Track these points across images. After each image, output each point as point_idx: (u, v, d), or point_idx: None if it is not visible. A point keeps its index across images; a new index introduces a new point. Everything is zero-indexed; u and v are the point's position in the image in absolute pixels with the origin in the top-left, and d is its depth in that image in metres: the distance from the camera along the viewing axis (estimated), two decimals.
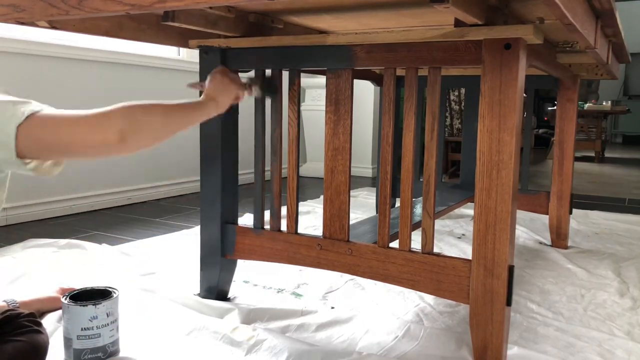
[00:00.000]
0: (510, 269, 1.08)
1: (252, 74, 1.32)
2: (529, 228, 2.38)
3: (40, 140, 0.85)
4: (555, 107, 2.14)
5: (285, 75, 1.33)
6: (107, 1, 0.84)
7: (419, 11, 1.22)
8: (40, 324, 1.07)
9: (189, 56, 3.25)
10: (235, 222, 1.45)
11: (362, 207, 2.84)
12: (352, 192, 3.20)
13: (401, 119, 1.28)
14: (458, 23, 1.06)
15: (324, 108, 1.29)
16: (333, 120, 1.26)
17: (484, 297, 1.09)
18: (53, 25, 1.15)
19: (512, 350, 1.18)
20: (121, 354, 1.13)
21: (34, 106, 0.87)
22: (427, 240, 1.18)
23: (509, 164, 1.04)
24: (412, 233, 1.23)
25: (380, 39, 1.16)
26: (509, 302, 1.08)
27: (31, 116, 0.85)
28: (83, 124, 0.87)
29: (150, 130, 0.93)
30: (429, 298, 1.48)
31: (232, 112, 1.40)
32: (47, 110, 0.88)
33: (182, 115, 1.00)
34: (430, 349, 1.19)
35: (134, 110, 0.91)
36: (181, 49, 3.21)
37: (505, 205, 1.06)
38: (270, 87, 1.29)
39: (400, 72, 1.24)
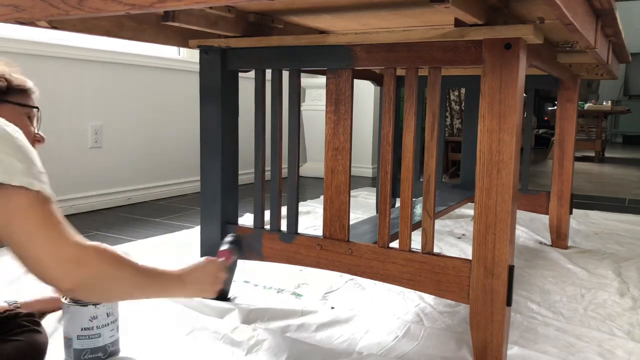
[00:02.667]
0: (510, 269, 1.08)
1: (226, 240, 1.28)
2: (529, 228, 2.38)
3: (4, 223, 0.77)
4: (555, 107, 2.14)
5: (285, 75, 1.33)
6: (107, 1, 0.84)
7: (419, 11, 1.22)
8: (39, 324, 1.07)
9: (189, 56, 3.25)
10: (235, 222, 1.45)
11: (362, 207, 2.84)
12: (352, 192, 3.20)
13: (401, 118, 1.28)
14: (458, 23, 1.06)
15: (324, 108, 1.29)
16: (333, 120, 1.26)
17: (484, 297, 1.09)
18: (53, 25, 1.15)
19: (512, 350, 1.18)
20: (121, 354, 1.13)
21: (37, 184, 0.79)
22: (427, 240, 1.18)
23: (509, 164, 1.04)
24: (412, 233, 1.23)
25: (381, 38, 1.16)
26: (509, 302, 1.08)
27: (23, 190, 0.77)
28: (60, 252, 0.80)
29: (105, 294, 0.90)
30: (429, 298, 1.48)
31: (232, 112, 1.41)
32: (40, 192, 0.80)
33: (154, 289, 0.97)
34: (430, 349, 1.19)
35: (107, 268, 0.85)
36: (181, 48, 3.22)
37: (505, 205, 1.06)
38: (239, 249, 1.28)
39: (400, 72, 1.24)
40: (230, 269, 1.25)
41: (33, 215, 0.79)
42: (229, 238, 1.27)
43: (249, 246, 1.40)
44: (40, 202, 0.80)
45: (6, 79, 1.05)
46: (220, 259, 1.17)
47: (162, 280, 1.00)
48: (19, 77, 1.08)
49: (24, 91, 1.08)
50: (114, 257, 0.87)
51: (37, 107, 1.10)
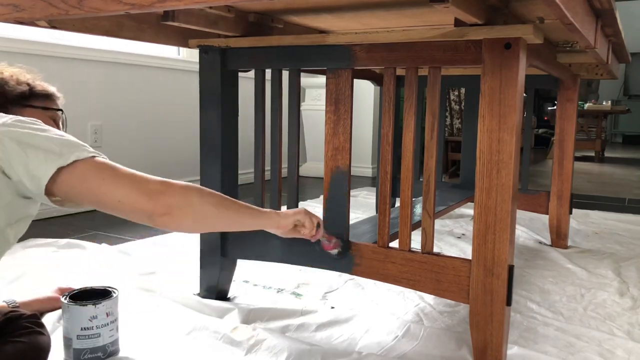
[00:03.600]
0: (510, 269, 1.08)
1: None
2: (529, 228, 2.38)
3: (81, 188, 0.84)
4: (555, 107, 2.14)
5: (285, 74, 1.33)
6: (107, 1, 0.84)
7: (418, 11, 1.22)
8: (42, 325, 1.07)
9: (189, 56, 3.25)
10: None
11: (362, 207, 2.84)
12: (352, 192, 3.20)
13: (401, 118, 1.28)
14: (458, 23, 1.06)
15: (324, 108, 1.29)
16: (333, 120, 1.26)
17: (483, 296, 1.09)
18: (53, 25, 1.15)
19: (512, 350, 1.18)
20: (121, 354, 1.13)
21: (81, 151, 0.85)
22: (427, 240, 1.18)
23: (509, 164, 1.04)
24: (412, 233, 1.23)
25: (381, 38, 1.16)
26: (508, 302, 1.08)
27: (79, 162, 0.84)
28: (142, 188, 0.85)
29: (199, 216, 0.90)
30: (429, 298, 1.48)
31: (232, 111, 1.40)
32: (95, 157, 0.87)
33: (237, 215, 0.98)
34: (430, 349, 1.19)
35: (192, 191, 0.89)
36: (181, 48, 3.22)
37: (505, 205, 1.06)
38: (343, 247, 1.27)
39: (400, 72, 1.24)
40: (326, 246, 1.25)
41: (103, 173, 0.86)
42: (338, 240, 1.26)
43: None
44: (101, 162, 0.87)
45: (28, 84, 1.08)
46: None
47: (256, 210, 1.03)
48: (41, 83, 1.11)
49: (47, 96, 1.11)
50: (195, 187, 0.91)
51: (61, 110, 1.14)
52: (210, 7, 1.19)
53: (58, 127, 1.12)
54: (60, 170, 0.83)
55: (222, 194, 0.97)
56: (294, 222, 1.11)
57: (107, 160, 0.89)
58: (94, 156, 0.87)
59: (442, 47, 1.10)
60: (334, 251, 1.25)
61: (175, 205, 0.86)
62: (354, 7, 1.23)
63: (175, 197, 0.86)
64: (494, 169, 1.06)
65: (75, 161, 0.84)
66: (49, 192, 0.85)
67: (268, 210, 1.07)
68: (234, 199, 0.98)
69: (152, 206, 0.85)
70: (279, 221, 1.08)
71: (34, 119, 0.91)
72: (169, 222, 0.87)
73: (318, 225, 1.16)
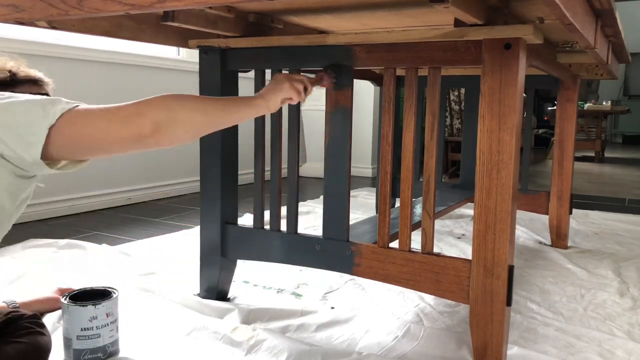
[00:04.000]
0: (510, 269, 1.07)
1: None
2: (529, 228, 2.38)
3: (72, 138, 0.85)
4: (555, 107, 2.14)
5: None
6: (106, 1, 0.84)
7: (418, 11, 1.22)
8: (43, 326, 1.07)
9: (189, 56, 3.25)
10: (235, 222, 1.45)
11: (362, 207, 2.84)
12: (352, 192, 3.20)
13: (401, 118, 1.28)
14: (458, 23, 1.06)
15: (324, 108, 1.29)
16: (333, 120, 1.26)
17: (483, 297, 1.09)
18: (53, 26, 1.15)
19: (512, 350, 1.18)
20: (121, 354, 1.13)
21: (64, 104, 0.86)
22: (427, 240, 1.18)
23: (509, 164, 1.04)
24: (412, 233, 1.23)
25: (380, 38, 1.16)
26: (508, 302, 1.08)
27: (62, 115, 0.84)
28: (115, 118, 0.85)
29: (187, 123, 0.89)
30: (429, 298, 1.48)
31: None
32: (78, 106, 0.87)
33: (222, 108, 0.96)
34: (430, 349, 1.19)
35: (169, 101, 0.87)
36: (181, 48, 3.21)
37: (505, 205, 1.06)
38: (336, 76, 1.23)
39: (400, 72, 1.24)
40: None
41: (86, 118, 0.85)
42: (329, 65, 1.23)
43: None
44: (82, 109, 0.87)
45: (10, 72, 1.06)
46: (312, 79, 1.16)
47: (242, 100, 1.02)
48: (26, 69, 1.09)
49: (32, 81, 1.09)
50: (171, 95, 0.90)
51: (48, 94, 1.11)
52: (210, 8, 1.19)
53: None
54: (50, 129, 0.83)
55: (201, 96, 0.95)
56: (282, 100, 1.10)
57: (88, 106, 0.88)
58: (75, 106, 0.87)
59: (442, 48, 1.10)
60: (331, 86, 1.22)
61: (161, 121, 0.85)
62: (354, 7, 1.23)
63: (156, 113, 0.85)
64: (494, 169, 1.06)
65: (60, 117, 0.84)
66: (44, 155, 0.85)
67: (251, 97, 1.04)
68: (213, 97, 0.97)
69: (137, 129, 0.84)
70: (267, 105, 1.06)
71: (8, 93, 0.91)
72: (161, 140, 0.86)
73: (305, 89, 1.14)
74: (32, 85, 1.10)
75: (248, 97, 1.04)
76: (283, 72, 1.15)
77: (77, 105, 0.87)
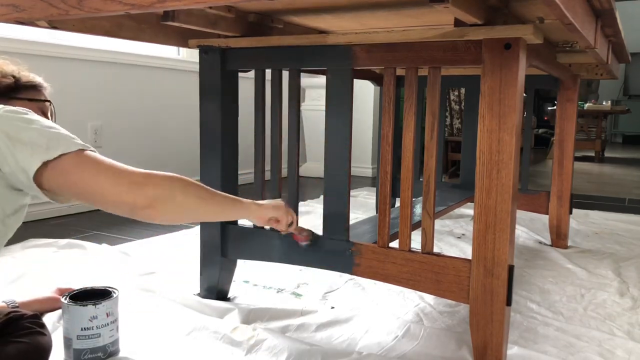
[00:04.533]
0: (510, 269, 1.08)
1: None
2: (529, 228, 2.38)
3: (71, 180, 0.85)
4: (555, 107, 2.14)
5: (285, 75, 1.33)
6: (107, 1, 0.84)
7: (418, 11, 1.22)
8: (43, 326, 1.07)
9: (189, 56, 3.25)
10: (235, 222, 1.45)
11: (362, 207, 2.84)
12: (352, 192, 3.20)
13: (401, 118, 1.28)
14: (458, 23, 1.06)
15: (324, 108, 1.29)
16: (331, 120, 1.26)
17: (483, 296, 1.09)
18: (53, 25, 1.15)
19: (512, 350, 1.18)
20: (121, 354, 1.13)
21: (73, 146, 0.86)
22: (427, 240, 1.18)
23: (509, 164, 1.04)
24: (412, 233, 1.23)
25: (380, 38, 1.16)
26: (508, 302, 1.08)
27: (65, 156, 0.85)
28: (122, 182, 0.86)
29: (181, 211, 0.91)
30: (429, 298, 1.48)
31: (232, 111, 1.41)
32: (86, 151, 0.87)
33: (218, 207, 0.99)
34: (430, 349, 1.19)
35: (174, 185, 0.89)
36: (181, 48, 3.21)
37: (505, 205, 1.06)
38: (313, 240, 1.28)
39: (400, 72, 1.24)
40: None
41: (86, 166, 0.87)
42: (309, 233, 1.28)
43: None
44: (86, 155, 0.88)
45: (14, 77, 1.06)
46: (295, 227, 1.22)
47: (236, 200, 1.04)
48: (27, 74, 1.09)
49: (33, 86, 1.10)
50: (178, 178, 0.91)
51: (49, 101, 1.13)
52: (210, 7, 1.19)
53: (47, 118, 1.12)
54: (46, 164, 0.84)
55: (204, 185, 0.98)
56: (272, 218, 1.14)
57: (95, 154, 0.89)
58: (81, 149, 0.88)
59: (442, 47, 1.10)
60: (304, 243, 1.27)
61: (158, 198, 0.86)
62: (354, 7, 1.23)
63: (157, 190, 0.87)
64: (494, 169, 1.06)
65: (61, 155, 0.85)
66: (38, 184, 0.86)
67: (248, 201, 1.08)
68: (214, 190, 0.99)
69: (133, 198, 0.85)
70: (258, 212, 1.10)
71: (26, 109, 0.92)
72: (152, 214, 0.87)
73: (291, 223, 1.20)
74: (33, 90, 1.11)
75: (244, 200, 1.07)
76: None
77: (82, 149, 0.87)
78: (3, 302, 1.18)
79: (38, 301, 1.27)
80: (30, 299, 1.26)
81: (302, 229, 1.27)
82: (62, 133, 0.89)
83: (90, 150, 0.90)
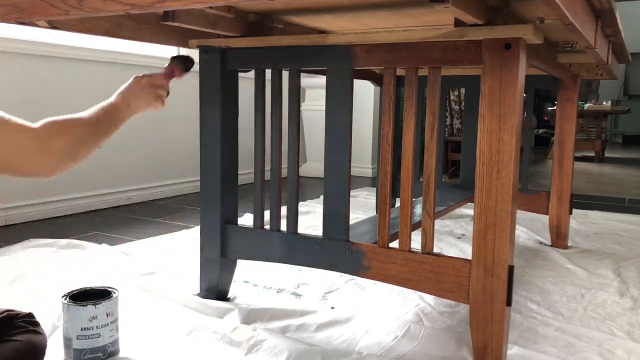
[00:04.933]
0: (510, 269, 1.07)
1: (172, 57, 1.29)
2: (529, 228, 2.38)
3: None
4: (555, 107, 2.14)
5: (285, 75, 1.33)
6: (107, 1, 0.84)
7: (418, 11, 1.22)
8: (37, 324, 1.07)
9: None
10: (235, 222, 1.45)
11: (362, 207, 2.84)
12: (352, 192, 3.20)
13: (401, 118, 1.27)
14: (458, 23, 1.06)
15: (324, 108, 1.29)
16: (332, 120, 1.26)
17: (483, 297, 1.09)
18: (53, 25, 1.15)
19: (512, 350, 1.18)
20: (121, 354, 1.13)
21: None
22: (427, 240, 1.18)
23: (509, 164, 1.04)
24: (412, 233, 1.23)
25: (380, 38, 1.16)
26: (509, 302, 1.08)
27: None
28: (17, 147, 0.87)
29: (80, 159, 0.94)
30: (429, 298, 1.48)
31: (232, 111, 1.41)
32: None
33: (105, 131, 1.01)
34: (430, 349, 1.19)
35: (73, 142, 0.92)
36: (180, 48, 3.21)
37: (505, 205, 1.06)
38: (188, 64, 1.27)
39: (400, 72, 1.24)
40: None
41: None
42: (177, 55, 1.27)
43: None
44: None
45: None
46: (162, 74, 1.21)
47: (114, 114, 1.06)
48: None
49: None
50: (67, 124, 0.93)
51: None
52: (210, 8, 1.19)
53: None
54: None
55: (77, 120, 0.97)
56: (145, 104, 1.14)
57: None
58: None
59: (442, 48, 1.10)
60: (182, 75, 1.25)
61: (64, 157, 0.90)
62: (354, 7, 1.23)
63: (57, 152, 0.89)
64: (494, 169, 1.06)
65: None
66: None
67: (113, 103, 1.07)
68: (87, 117, 0.99)
69: (33, 170, 0.88)
70: (130, 112, 1.10)
71: None
72: (65, 168, 0.90)
73: (160, 84, 1.18)
74: None
75: (112, 107, 1.07)
76: (134, 78, 1.17)
77: None
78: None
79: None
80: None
81: (171, 73, 1.22)
82: None
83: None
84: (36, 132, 0.89)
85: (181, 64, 1.25)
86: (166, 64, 1.25)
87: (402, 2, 1.15)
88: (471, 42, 1.06)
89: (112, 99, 1.08)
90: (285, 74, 1.33)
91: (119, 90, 1.12)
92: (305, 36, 1.25)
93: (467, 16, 0.96)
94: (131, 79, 1.15)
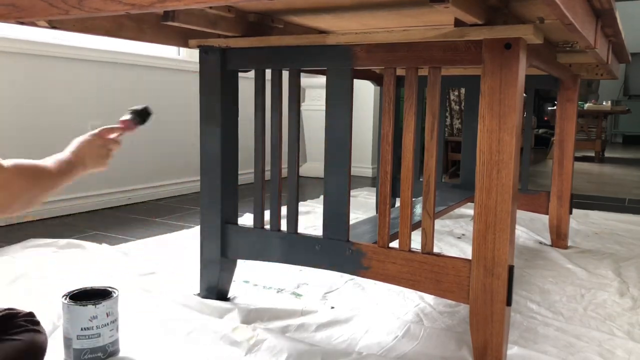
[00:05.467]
0: (510, 269, 1.07)
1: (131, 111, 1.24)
2: (529, 228, 2.38)
3: None
4: (554, 107, 2.14)
5: (285, 75, 1.33)
6: (107, 1, 0.84)
7: (418, 11, 1.22)
8: (38, 323, 1.07)
9: (189, 56, 3.25)
10: (235, 222, 1.45)
11: (362, 207, 2.84)
12: (352, 192, 3.20)
13: (401, 118, 1.27)
14: (458, 23, 1.06)
15: (324, 108, 1.29)
16: (333, 120, 1.26)
17: (484, 297, 1.09)
18: (53, 25, 1.15)
19: (512, 350, 1.18)
20: (121, 354, 1.13)
21: None
22: (427, 240, 1.18)
23: (509, 164, 1.04)
24: (412, 233, 1.23)
25: (380, 38, 1.16)
26: (509, 302, 1.08)
27: None
28: None
29: (33, 200, 0.94)
30: (429, 298, 1.48)
31: (232, 111, 1.41)
32: None
33: (50, 183, 1.00)
34: (430, 349, 1.19)
35: (23, 187, 0.92)
36: (181, 48, 3.21)
37: (505, 205, 1.06)
38: (145, 117, 1.23)
39: (400, 72, 1.24)
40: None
41: None
42: (134, 108, 1.23)
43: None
44: None
45: None
46: (117, 128, 1.18)
47: (70, 170, 1.06)
48: None
49: None
50: (35, 170, 0.95)
51: None
52: (211, 7, 1.19)
53: None
54: None
55: (37, 167, 0.98)
56: (97, 164, 1.13)
57: None
58: None
59: (442, 48, 1.10)
60: (134, 128, 1.22)
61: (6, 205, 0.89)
62: (354, 7, 1.23)
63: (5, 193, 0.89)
64: (494, 169, 1.06)
65: None
66: None
67: (72, 161, 1.07)
68: (44, 167, 0.99)
69: None
70: (84, 171, 1.10)
71: None
72: None
73: (114, 142, 1.15)
74: None
75: (70, 161, 1.06)
76: (90, 135, 1.14)
77: None
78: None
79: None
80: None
81: (125, 128, 1.19)
82: None
83: None
84: (2, 168, 0.89)
85: (138, 118, 1.22)
86: (124, 116, 1.22)
87: (402, 2, 1.15)
88: (471, 42, 1.06)
89: (69, 154, 1.08)
90: (285, 74, 1.33)
91: (74, 146, 1.11)
92: (306, 36, 1.25)
93: (468, 16, 0.96)
94: (86, 136, 1.14)
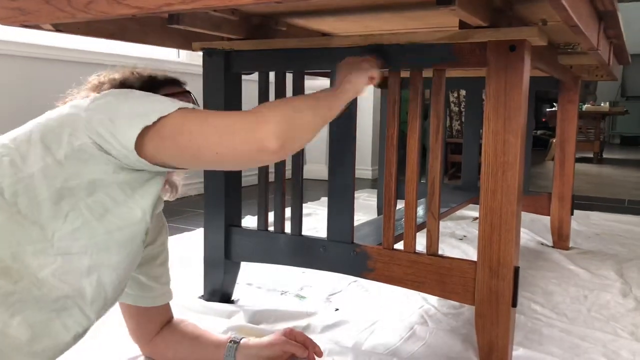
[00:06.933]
0: (516, 270, 1.08)
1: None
2: (530, 229, 2.38)
3: (173, 146, 0.77)
4: (553, 108, 2.14)
5: (289, 77, 1.33)
6: (114, 4, 0.84)
7: (422, 13, 1.23)
8: None
9: (189, 58, 3.25)
10: (239, 225, 1.45)
11: (363, 208, 2.84)
12: None
13: (403, 120, 1.28)
14: (463, 25, 1.06)
15: None
16: (336, 122, 1.26)
17: (489, 298, 1.09)
18: (58, 29, 1.15)
19: (517, 352, 1.18)
20: (123, 354, 1.13)
21: (170, 107, 0.78)
22: (432, 241, 1.18)
23: (514, 165, 1.05)
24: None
25: (384, 40, 1.16)
26: (514, 303, 1.08)
27: (164, 119, 0.77)
28: (232, 131, 0.76)
29: (303, 132, 0.82)
30: (433, 300, 1.48)
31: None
32: (186, 111, 0.79)
33: (327, 107, 0.91)
34: (436, 350, 1.20)
35: (286, 110, 0.80)
36: (180, 51, 3.21)
37: (510, 206, 1.06)
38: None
39: (403, 73, 1.24)
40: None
41: (191, 124, 0.77)
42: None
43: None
44: (188, 112, 0.79)
45: (150, 76, 1.01)
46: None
47: (330, 97, 0.95)
48: (163, 73, 1.04)
49: (172, 81, 1.04)
50: (283, 103, 0.83)
51: (188, 91, 1.06)
52: (215, 10, 1.19)
53: None
54: (146, 130, 0.76)
55: (304, 97, 0.88)
56: (364, 81, 1.03)
57: (197, 110, 0.80)
58: (180, 108, 0.79)
59: (447, 50, 1.10)
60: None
61: (284, 135, 0.77)
62: (358, 9, 1.23)
63: (277, 126, 0.77)
64: (499, 171, 1.06)
65: (160, 118, 0.76)
66: (147, 157, 0.78)
67: (335, 88, 0.99)
68: (311, 97, 0.90)
69: (256, 148, 0.76)
70: (355, 89, 1.00)
71: (131, 89, 0.86)
72: (283, 154, 0.79)
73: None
74: (173, 85, 1.04)
75: (337, 88, 0.98)
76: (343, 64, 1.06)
77: (181, 108, 0.79)
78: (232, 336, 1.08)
79: (262, 345, 1.06)
80: (254, 342, 1.07)
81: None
82: (159, 97, 0.81)
83: (189, 106, 0.81)
84: (242, 112, 0.80)
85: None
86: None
87: (406, 4, 1.16)
88: (476, 44, 1.07)
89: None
90: (288, 76, 1.33)
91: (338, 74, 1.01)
92: (309, 39, 1.25)
93: (473, 18, 0.96)
94: (339, 66, 1.05)
